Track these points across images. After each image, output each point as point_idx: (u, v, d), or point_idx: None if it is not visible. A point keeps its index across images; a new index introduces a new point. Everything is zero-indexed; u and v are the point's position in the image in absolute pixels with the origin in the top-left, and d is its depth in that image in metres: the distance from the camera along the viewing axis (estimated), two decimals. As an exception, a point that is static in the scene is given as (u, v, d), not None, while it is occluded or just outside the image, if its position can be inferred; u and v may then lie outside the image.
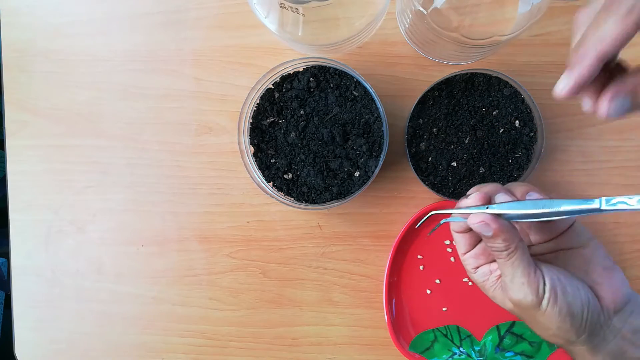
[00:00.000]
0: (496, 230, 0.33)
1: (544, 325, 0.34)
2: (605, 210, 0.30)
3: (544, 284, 0.33)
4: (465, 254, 0.38)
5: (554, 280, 0.34)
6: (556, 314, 0.33)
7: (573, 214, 0.32)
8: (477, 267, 0.38)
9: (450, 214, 0.37)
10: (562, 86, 0.27)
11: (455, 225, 0.38)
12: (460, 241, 0.38)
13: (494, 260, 0.38)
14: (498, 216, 0.33)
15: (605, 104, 0.27)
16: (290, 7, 0.37)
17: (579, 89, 0.27)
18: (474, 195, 0.35)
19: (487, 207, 0.34)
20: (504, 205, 0.34)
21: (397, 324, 0.50)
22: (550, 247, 0.38)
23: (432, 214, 0.40)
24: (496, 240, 0.33)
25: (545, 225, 0.37)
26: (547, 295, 0.33)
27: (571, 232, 0.37)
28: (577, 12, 0.29)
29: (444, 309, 0.51)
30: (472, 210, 0.35)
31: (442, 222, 0.39)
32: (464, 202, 0.36)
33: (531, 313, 0.34)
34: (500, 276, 0.37)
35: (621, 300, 0.35)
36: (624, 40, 0.25)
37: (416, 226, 0.41)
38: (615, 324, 0.35)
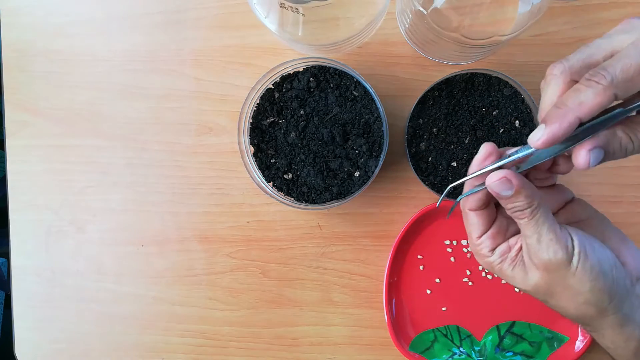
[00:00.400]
0: (518, 185, 0.32)
1: (575, 289, 0.32)
2: (629, 108, 0.30)
3: (572, 240, 0.32)
4: (480, 236, 0.36)
5: (581, 236, 0.33)
6: (588, 271, 0.32)
7: (601, 125, 0.30)
8: (494, 248, 0.36)
9: (466, 181, 0.35)
10: (538, 138, 0.30)
11: (470, 203, 0.35)
12: (476, 222, 0.36)
13: (512, 236, 0.36)
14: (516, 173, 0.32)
15: (585, 156, 0.30)
16: (290, 7, 0.37)
17: (552, 143, 0.30)
18: (484, 145, 0.34)
19: (509, 155, 0.32)
20: (524, 148, 0.32)
21: (397, 324, 0.50)
22: (559, 221, 0.36)
23: (450, 187, 0.36)
24: (518, 197, 0.32)
25: (549, 192, 0.37)
26: (577, 250, 0.32)
27: (574, 205, 0.37)
28: (550, 66, 0.32)
29: (443, 309, 0.51)
30: (493, 166, 0.33)
31: (458, 200, 0.36)
32: (474, 160, 0.34)
33: (561, 275, 0.32)
34: (520, 250, 0.35)
35: None
36: (602, 108, 0.28)
37: (437, 206, 0.39)
38: (639, 292, 0.34)
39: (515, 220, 0.34)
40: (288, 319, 0.53)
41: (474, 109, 0.47)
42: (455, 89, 0.47)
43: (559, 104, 0.30)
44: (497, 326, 0.51)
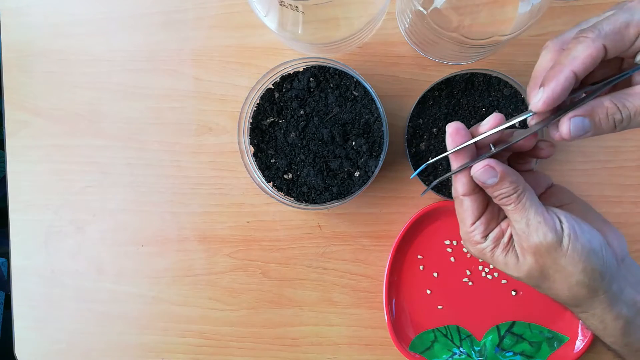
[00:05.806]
0: (502, 172, 0.32)
1: (567, 270, 0.32)
2: (619, 76, 0.30)
3: (560, 222, 0.32)
4: (474, 222, 0.35)
5: (568, 217, 0.33)
6: (579, 251, 0.32)
7: (607, 85, 0.30)
8: (487, 235, 0.35)
9: (447, 156, 0.35)
10: (537, 100, 0.30)
11: (461, 187, 0.35)
12: (470, 206, 0.35)
13: (503, 220, 0.36)
14: (500, 162, 0.33)
15: (565, 124, 0.30)
16: (290, 5, 0.37)
17: (553, 104, 0.30)
18: (493, 115, 0.34)
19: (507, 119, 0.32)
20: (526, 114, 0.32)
21: (397, 324, 0.50)
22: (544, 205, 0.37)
23: (426, 165, 0.36)
24: (503, 184, 0.32)
25: (530, 178, 0.37)
26: (566, 231, 0.32)
27: (555, 190, 0.38)
28: (547, 41, 0.33)
29: (439, 307, 0.51)
30: (472, 141, 0.33)
31: (435, 182, 0.36)
32: (481, 127, 0.34)
33: (553, 257, 0.32)
34: (512, 236, 0.35)
35: (624, 250, 0.35)
36: (594, 60, 0.29)
37: (411, 177, 0.38)
38: (623, 272, 0.34)
39: (503, 207, 0.34)
40: (288, 319, 0.53)
41: (474, 109, 0.47)
42: (455, 89, 0.47)
43: (554, 65, 0.30)
44: (497, 326, 0.51)
